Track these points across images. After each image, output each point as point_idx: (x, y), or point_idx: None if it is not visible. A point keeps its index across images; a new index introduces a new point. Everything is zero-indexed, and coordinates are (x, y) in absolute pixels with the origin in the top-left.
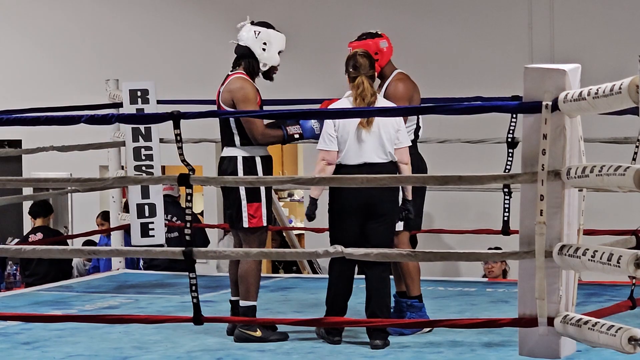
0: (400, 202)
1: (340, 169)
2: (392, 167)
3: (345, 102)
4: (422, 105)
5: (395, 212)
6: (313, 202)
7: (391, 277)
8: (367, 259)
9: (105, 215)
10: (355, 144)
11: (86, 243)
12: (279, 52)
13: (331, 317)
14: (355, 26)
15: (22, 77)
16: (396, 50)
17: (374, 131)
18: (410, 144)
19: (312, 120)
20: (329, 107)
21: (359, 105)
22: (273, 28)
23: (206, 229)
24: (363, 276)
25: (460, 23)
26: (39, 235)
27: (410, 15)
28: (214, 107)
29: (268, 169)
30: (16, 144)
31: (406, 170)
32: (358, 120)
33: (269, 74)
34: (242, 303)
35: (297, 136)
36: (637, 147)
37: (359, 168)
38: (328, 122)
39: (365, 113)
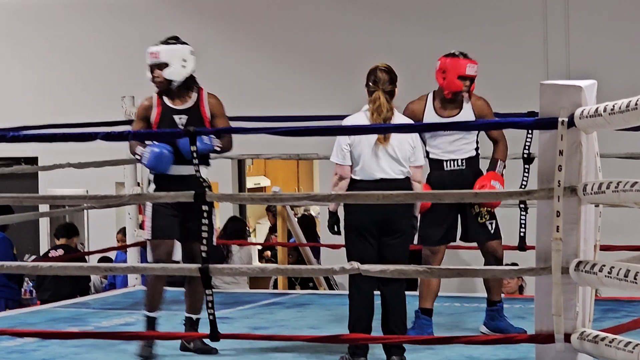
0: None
1: (357, 183)
2: (407, 183)
3: (362, 116)
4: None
5: (411, 228)
6: (332, 215)
7: (414, 293)
8: (383, 276)
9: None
10: (372, 159)
11: (102, 259)
12: (150, 68)
13: (349, 334)
14: (373, 46)
15: (38, 94)
16: (414, 66)
17: (391, 147)
18: (424, 162)
19: (156, 150)
20: (344, 122)
21: (375, 120)
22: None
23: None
24: (378, 292)
25: (476, 39)
26: (60, 252)
27: (427, 33)
28: (231, 124)
29: (161, 186)
30: (32, 161)
31: (418, 188)
32: (374, 135)
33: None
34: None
35: (138, 157)
36: None
37: (376, 183)
38: (342, 136)
39: (382, 129)
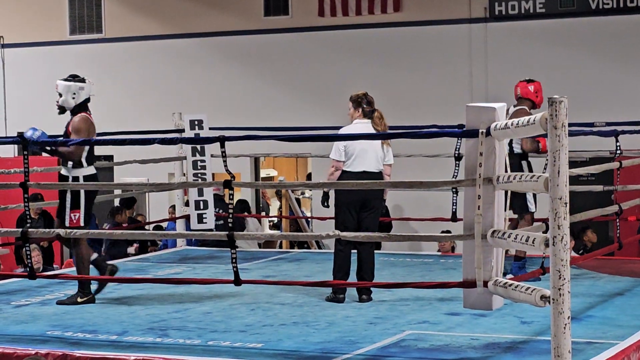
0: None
1: (347, 173)
2: (381, 175)
3: (368, 126)
4: (398, 131)
5: (381, 209)
6: (324, 194)
7: (380, 251)
8: (356, 240)
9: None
10: (359, 157)
11: (156, 227)
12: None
13: (333, 280)
14: (347, 76)
15: (114, 111)
16: (378, 92)
17: (372, 149)
18: (393, 161)
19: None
20: (341, 130)
21: (381, 129)
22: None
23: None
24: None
25: (421, 73)
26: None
27: (387, 68)
28: (251, 133)
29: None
30: (109, 158)
31: (387, 179)
32: (363, 140)
33: None
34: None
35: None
36: (547, 160)
37: (361, 174)
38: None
39: (366, 136)
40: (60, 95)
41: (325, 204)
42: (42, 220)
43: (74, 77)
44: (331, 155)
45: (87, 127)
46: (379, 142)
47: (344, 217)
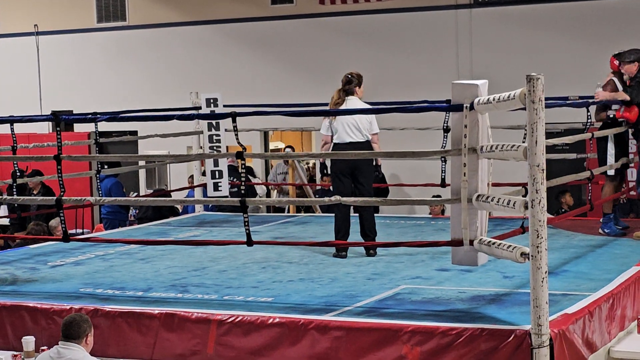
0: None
1: (337, 145)
2: (368, 144)
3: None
4: (391, 106)
5: (372, 173)
6: (322, 165)
7: (378, 214)
8: (355, 204)
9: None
10: (345, 129)
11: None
12: None
13: (335, 241)
14: (345, 58)
15: (136, 91)
16: (374, 72)
17: (355, 121)
18: (378, 131)
19: None
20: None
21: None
22: None
23: (255, 186)
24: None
25: (413, 55)
26: (149, 190)
27: (381, 50)
28: (260, 109)
29: None
30: (134, 133)
31: (376, 148)
32: (348, 116)
33: None
34: None
35: None
36: (525, 132)
37: (347, 145)
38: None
39: (362, 111)
40: None
41: (325, 172)
42: (41, 192)
43: None
44: (321, 131)
45: None
46: (363, 115)
47: (338, 183)
